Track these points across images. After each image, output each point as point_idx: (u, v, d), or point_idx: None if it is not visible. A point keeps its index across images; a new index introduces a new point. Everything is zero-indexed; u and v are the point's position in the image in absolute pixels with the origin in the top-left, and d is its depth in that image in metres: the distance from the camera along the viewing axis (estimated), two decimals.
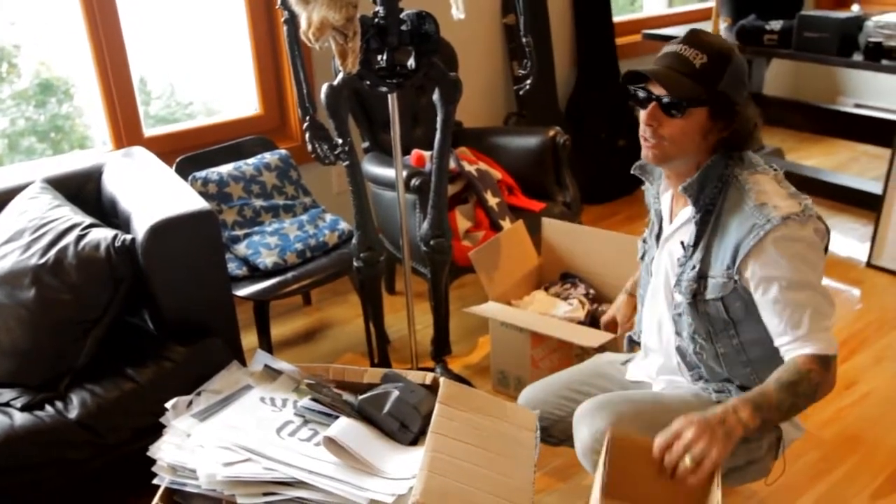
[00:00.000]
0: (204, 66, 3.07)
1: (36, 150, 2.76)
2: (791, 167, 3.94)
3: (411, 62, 1.94)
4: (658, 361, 1.70)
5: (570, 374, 1.85)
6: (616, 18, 3.89)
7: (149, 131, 2.83)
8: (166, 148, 2.76)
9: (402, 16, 1.87)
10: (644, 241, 1.75)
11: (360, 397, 1.69)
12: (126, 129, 2.74)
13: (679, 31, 3.75)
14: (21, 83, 2.72)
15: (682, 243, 1.56)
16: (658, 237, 1.67)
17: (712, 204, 1.50)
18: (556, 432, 1.79)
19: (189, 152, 2.63)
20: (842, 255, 3.29)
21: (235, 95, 3.10)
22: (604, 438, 1.49)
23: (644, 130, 1.51)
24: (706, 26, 3.44)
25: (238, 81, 3.06)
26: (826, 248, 1.51)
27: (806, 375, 1.40)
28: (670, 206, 1.64)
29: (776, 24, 3.32)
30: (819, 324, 1.42)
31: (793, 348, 1.43)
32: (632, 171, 1.70)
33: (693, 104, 1.44)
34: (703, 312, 1.53)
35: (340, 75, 1.90)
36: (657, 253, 1.66)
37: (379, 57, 1.91)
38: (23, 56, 2.71)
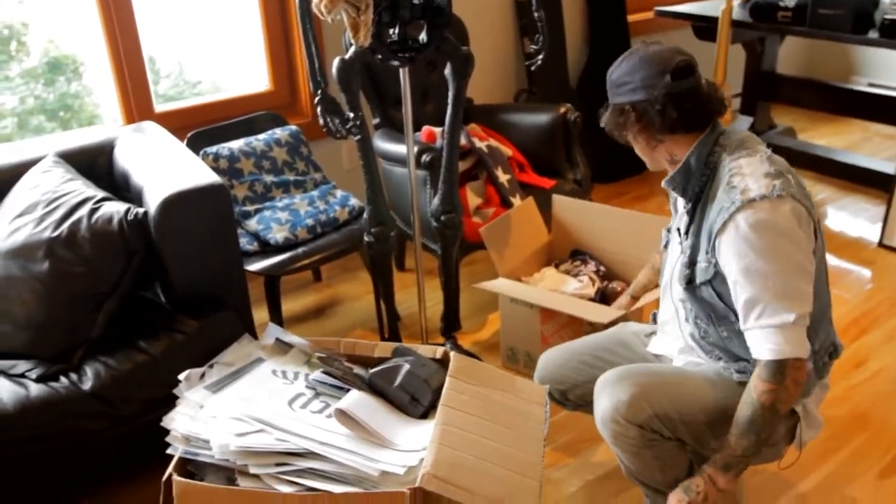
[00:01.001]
0: (212, 45, 3.06)
1: (45, 129, 2.77)
2: (803, 146, 3.91)
3: (423, 36, 1.93)
4: (678, 343, 1.70)
5: (594, 339, 1.86)
6: None
7: (160, 107, 2.83)
8: (177, 124, 2.76)
9: None
10: (668, 231, 1.75)
11: (371, 371, 1.70)
12: (137, 105, 2.74)
13: (690, 8, 3.72)
14: (30, 61, 2.72)
15: (678, 230, 1.60)
16: (673, 228, 1.70)
17: (701, 192, 1.52)
18: (573, 397, 1.81)
19: (199, 128, 2.63)
20: (853, 236, 3.28)
21: (243, 73, 3.09)
22: (624, 409, 1.50)
23: None
24: (720, 4, 3.40)
25: (246, 59, 3.05)
26: (816, 231, 1.45)
27: (759, 404, 1.42)
28: (677, 198, 1.68)
29: (790, 1, 3.28)
30: (768, 320, 1.38)
31: (750, 346, 1.44)
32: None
33: (622, 129, 1.55)
34: (699, 298, 1.54)
35: (352, 49, 1.89)
36: (671, 242, 1.70)
37: (391, 31, 1.91)
38: (31, 34, 2.70)
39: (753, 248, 1.38)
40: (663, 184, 1.58)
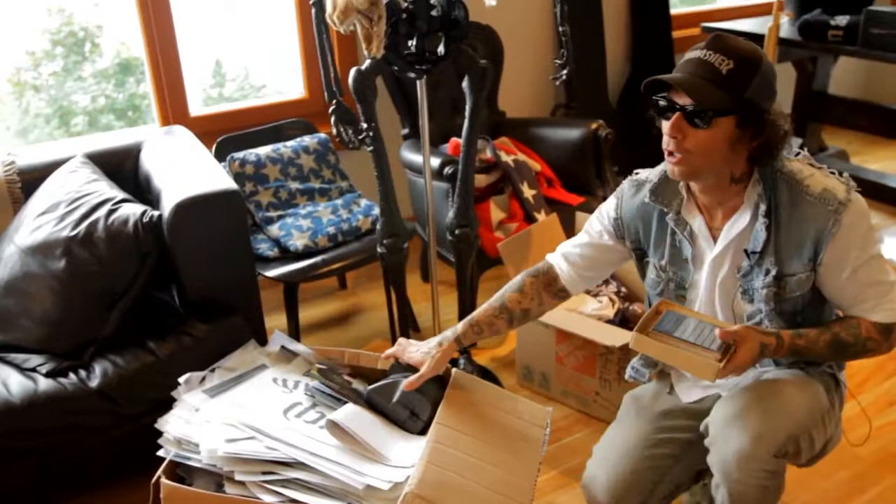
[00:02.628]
0: (275, 50, 3.15)
1: (114, 127, 2.89)
2: (855, 170, 3.76)
3: (441, 48, 1.92)
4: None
5: (630, 435, 1.64)
6: (674, 11, 3.78)
7: (195, 111, 2.89)
8: (212, 128, 2.82)
9: (432, 1, 1.85)
10: (663, 271, 1.60)
11: (370, 387, 1.68)
12: (173, 108, 2.80)
13: (738, 25, 3.63)
14: (102, 62, 2.83)
15: (745, 252, 1.47)
16: (694, 259, 1.55)
17: (766, 201, 1.45)
18: (654, 501, 1.60)
19: (234, 132, 2.67)
20: None
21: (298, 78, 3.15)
22: (763, 443, 1.40)
23: (668, 143, 1.42)
24: (767, 21, 3.30)
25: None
26: None
27: (863, 342, 1.46)
28: (706, 225, 1.53)
29: (842, 20, 3.17)
30: (886, 295, 1.46)
31: (860, 314, 1.48)
32: (645, 200, 1.58)
33: (719, 113, 1.36)
34: (780, 312, 1.49)
35: (369, 60, 1.89)
36: (699, 276, 1.55)
37: (409, 42, 1.90)
38: (105, 36, 2.82)
39: (866, 239, 1.44)
40: (754, 198, 1.44)
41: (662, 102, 1.41)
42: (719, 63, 1.36)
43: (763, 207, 1.44)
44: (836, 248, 1.42)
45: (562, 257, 1.69)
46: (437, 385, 1.70)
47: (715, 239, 1.52)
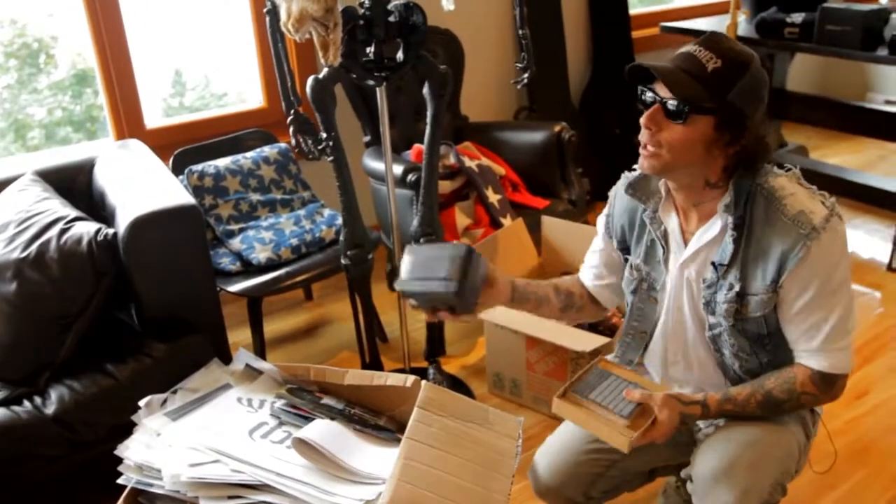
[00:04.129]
0: (235, 57, 3.10)
1: (72, 140, 2.81)
2: (813, 165, 3.81)
3: (400, 55, 1.88)
4: (688, 391, 1.58)
5: (580, 430, 1.64)
6: (633, 11, 3.79)
7: (153, 122, 2.82)
8: (168, 140, 2.75)
9: (389, 7, 1.82)
10: (637, 270, 1.59)
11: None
12: (128, 121, 2.73)
13: (696, 24, 3.65)
14: (58, 74, 2.76)
15: (713, 264, 1.45)
16: (665, 260, 1.54)
17: (741, 218, 1.40)
18: (597, 492, 1.64)
19: (191, 144, 2.61)
20: (864, 258, 3.18)
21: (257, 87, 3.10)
22: (752, 499, 1.38)
23: (643, 135, 1.40)
24: (724, 19, 3.33)
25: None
26: None
27: (797, 397, 1.41)
28: (680, 227, 1.51)
29: (797, 17, 3.20)
30: (836, 342, 1.39)
31: (804, 355, 1.42)
32: (624, 192, 1.57)
33: (697, 110, 1.33)
34: (741, 330, 1.45)
35: (326, 69, 1.85)
36: (668, 278, 1.54)
37: (367, 49, 1.86)
38: (59, 47, 2.74)
39: (832, 271, 1.37)
40: (721, 209, 1.41)
41: (647, 95, 1.39)
42: (707, 60, 1.33)
43: (731, 221, 1.40)
44: (799, 275, 1.36)
45: (584, 269, 1.71)
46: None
47: (686, 243, 1.50)
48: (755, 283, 1.40)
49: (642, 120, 1.39)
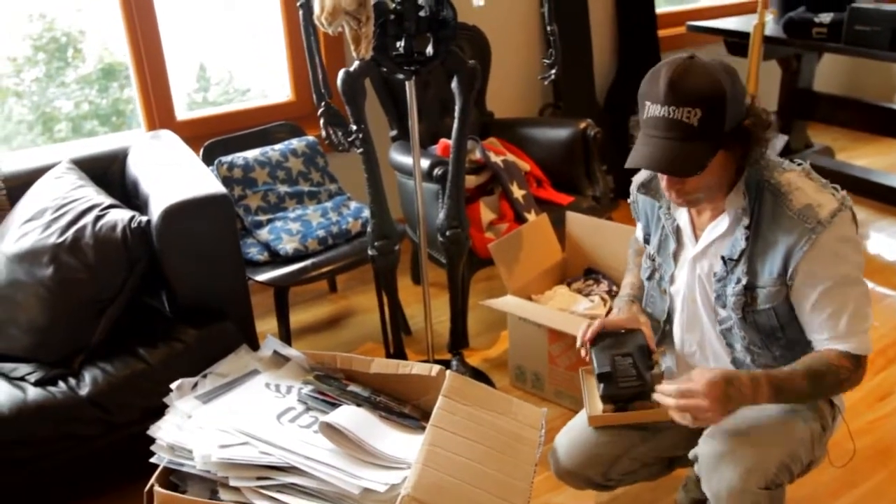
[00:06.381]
0: (259, 53, 3.13)
1: (98, 133, 2.85)
2: (840, 166, 3.79)
3: (430, 49, 1.91)
4: None
5: None
6: (659, 10, 3.79)
7: (182, 115, 2.87)
8: (199, 132, 2.80)
9: (419, 2, 1.84)
10: (652, 259, 1.64)
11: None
12: (159, 112, 2.78)
13: (723, 23, 3.64)
14: (85, 68, 2.81)
15: (722, 258, 1.47)
16: (675, 255, 1.58)
17: (749, 214, 1.43)
18: (616, 474, 1.66)
19: (220, 136, 2.65)
20: (888, 259, 3.15)
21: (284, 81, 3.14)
22: (755, 477, 1.39)
23: (667, 193, 1.44)
24: (752, 19, 3.32)
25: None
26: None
27: (835, 370, 1.39)
28: (691, 221, 1.55)
29: (826, 17, 3.19)
30: (858, 325, 1.40)
31: (826, 344, 1.42)
32: (636, 191, 1.62)
33: (707, 161, 1.34)
34: (752, 322, 1.47)
35: (357, 62, 1.88)
36: (679, 272, 1.58)
37: (397, 43, 1.89)
38: (87, 41, 2.80)
39: (841, 264, 1.38)
40: (732, 205, 1.44)
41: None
42: (687, 116, 1.29)
43: (744, 217, 1.43)
44: (807, 268, 1.37)
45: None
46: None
47: (697, 238, 1.53)
48: (762, 277, 1.43)
49: (663, 184, 1.44)
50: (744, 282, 1.44)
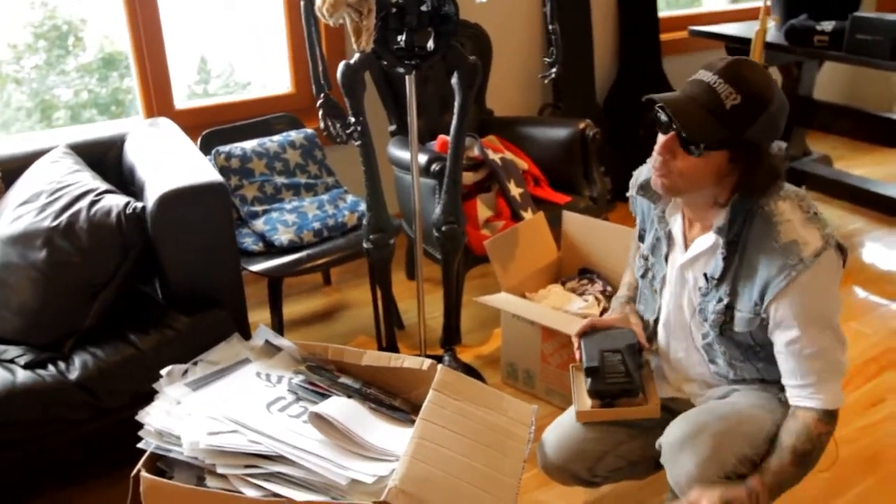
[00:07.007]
0: (261, 47, 3.13)
1: (96, 122, 2.83)
2: (837, 175, 3.80)
3: (431, 44, 1.91)
4: (696, 381, 1.63)
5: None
6: (662, 14, 3.79)
7: (180, 104, 2.86)
8: (197, 122, 2.79)
9: None
10: (645, 259, 1.65)
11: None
12: (158, 101, 2.78)
13: (725, 29, 3.64)
14: (86, 56, 2.81)
15: (705, 275, 1.48)
16: (667, 257, 1.59)
17: (737, 235, 1.42)
18: (603, 470, 1.67)
19: (218, 126, 2.64)
20: (883, 269, 3.16)
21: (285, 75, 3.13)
22: (712, 466, 1.40)
23: (656, 160, 1.41)
24: (754, 25, 3.32)
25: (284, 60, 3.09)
26: (843, 264, 1.43)
27: (818, 439, 1.41)
28: (683, 231, 1.54)
29: (827, 25, 3.19)
30: (829, 375, 1.41)
31: (800, 396, 1.42)
32: (635, 193, 1.62)
33: (713, 147, 1.33)
34: (729, 338, 1.48)
35: (357, 54, 1.88)
36: (669, 275, 1.58)
37: (398, 37, 1.89)
38: (88, 30, 2.79)
39: (818, 306, 1.37)
40: (714, 232, 1.44)
41: (663, 117, 1.38)
42: (726, 95, 1.30)
43: (722, 239, 1.42)
44: (783, 306, 1.37)
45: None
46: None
47: (687, 247, 1.54)
48: (742, 300, 1.43)
49: (656, 147, 1.40)
50: (725, 301, 1.45)
